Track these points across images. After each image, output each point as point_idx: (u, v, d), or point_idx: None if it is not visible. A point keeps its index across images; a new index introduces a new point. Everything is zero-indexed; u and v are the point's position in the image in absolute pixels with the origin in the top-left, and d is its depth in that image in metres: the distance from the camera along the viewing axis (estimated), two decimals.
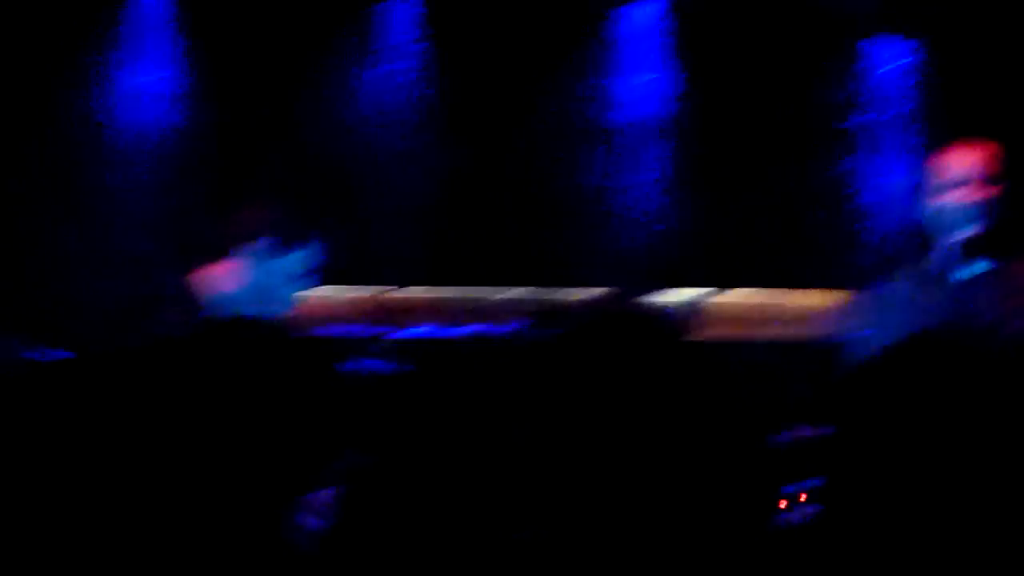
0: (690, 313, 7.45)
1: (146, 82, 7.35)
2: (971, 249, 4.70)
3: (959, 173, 4.73)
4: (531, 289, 7.42)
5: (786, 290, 7.53)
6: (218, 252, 5.04)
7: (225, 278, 4.59)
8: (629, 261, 7.43)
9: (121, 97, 7.32)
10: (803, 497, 5.73)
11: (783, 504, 5.69)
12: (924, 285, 4.82)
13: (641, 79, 7.54)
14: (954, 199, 4.71)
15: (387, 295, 4.76)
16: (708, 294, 7.52)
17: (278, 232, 4.66)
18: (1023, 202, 4.89)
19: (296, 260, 4.73)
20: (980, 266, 4.68)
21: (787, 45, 7.48)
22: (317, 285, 4.94)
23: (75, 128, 7.25)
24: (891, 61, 7.57)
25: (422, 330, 5.06)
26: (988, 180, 4.72)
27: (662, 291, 7.40)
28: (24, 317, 6.54)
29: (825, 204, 7.51)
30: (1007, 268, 4.56)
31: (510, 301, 7.39)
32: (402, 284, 4.91)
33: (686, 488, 1.94)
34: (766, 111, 7.46)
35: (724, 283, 7.51)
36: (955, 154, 4.84)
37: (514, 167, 7.39)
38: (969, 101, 7.11)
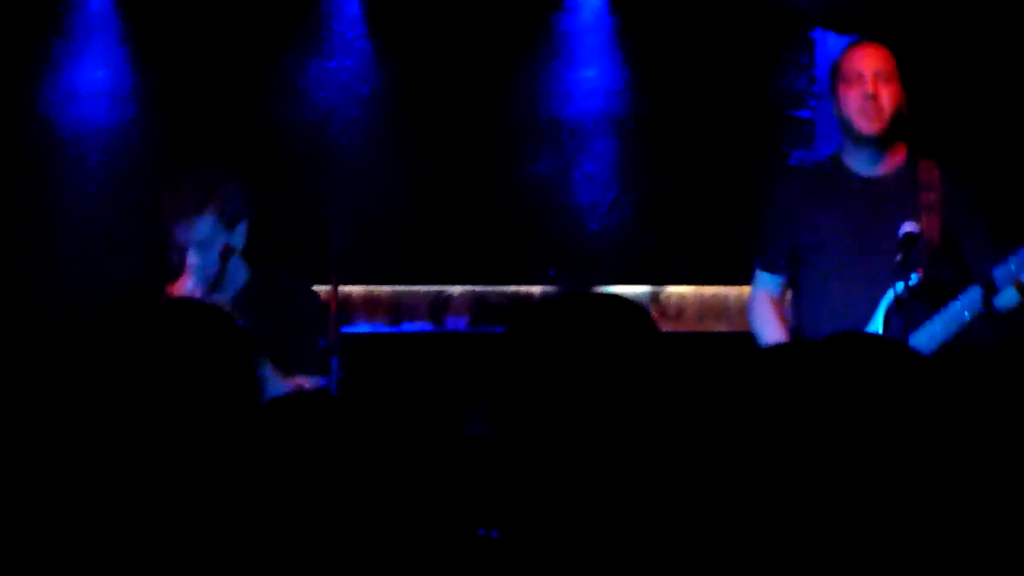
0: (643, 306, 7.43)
1: (91, 81, 7.30)
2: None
3: (856, 68, 4.70)
4: (475, 286, 7.39)
5: (739, 284, 7.51)
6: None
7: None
8: (577, 256, 7.40)
9: (67, 96, 7.28)
10: None
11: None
12: None
13: (591, 72, 7.51)
14: (853, 94, 4.68)
15: (329, 291, 4.74)
16: (659, 288, 7.50)
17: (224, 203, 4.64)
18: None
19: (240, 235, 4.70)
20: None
21: (737, 36, 7.45)
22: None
23: (22, 127, 7.22)
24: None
25: (364, 327, 5.05)
26: (886, 76, 4.68)
27: (611, 285, 7.38)
28: None
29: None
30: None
31: (452, 297, 7.36)
32: (342, 281, 4.89)
33: (649, 485, 1.90)
34: (716, 103, 7.43)
35: (676, 277, 7.49)
36: (853, 51, 4.80)
37: (460, 162, 7.36)
38: (916, 96, 7.08)
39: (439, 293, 7.37)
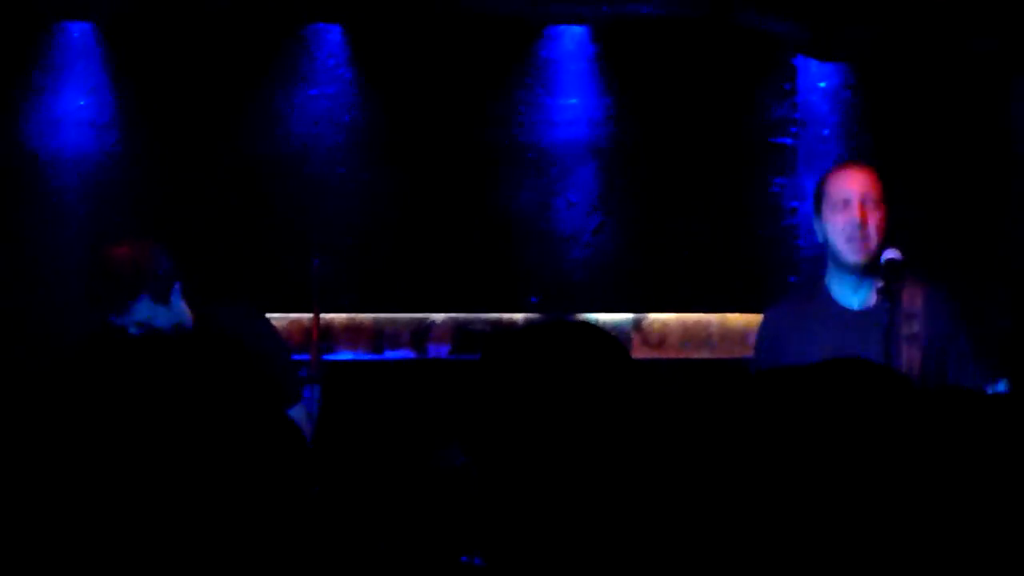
0: (623, 334, 7.42)
1: (73, 109, 7.28)
2: (863, 274, 4.68)
3: (843, 194, 4.67)
4: (457, 314, 7.38)
5: (722, 311, 7.51)
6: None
7: None
8: (559, 284, 7.39)
9: (49, 124, 7.26)
10: None
11: None
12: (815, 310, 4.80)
13: (573, 100, 7.51)
14: (840, 221, 4.66)
15: (312, 319, 4.73)
16: (642, 315, 7.49)
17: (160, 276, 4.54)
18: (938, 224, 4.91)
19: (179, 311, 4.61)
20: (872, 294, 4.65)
21: (718, 63, 7.46)
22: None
23: (2, 154, 7.20)
24: (824, 80, 7.57)
25: (346, 355, 5.04)
26: (873, 202, 4.67)
27: (594, 313, 7.37)
28: None
29: (759, 223, 7.49)
30: (899, 295, 4.52)
31: (434, 325, 7.35)
32: (324, 308, 4.87)
33: (626, 510, 1.89)
34: (698, 130, 7.44)
35: (659, 304, 7.48)
36: (840, 175, 4.78)
37: (442, 189, 7.35)
38: (897, 123, 7.13)
39: (421, 321, 7.36)
